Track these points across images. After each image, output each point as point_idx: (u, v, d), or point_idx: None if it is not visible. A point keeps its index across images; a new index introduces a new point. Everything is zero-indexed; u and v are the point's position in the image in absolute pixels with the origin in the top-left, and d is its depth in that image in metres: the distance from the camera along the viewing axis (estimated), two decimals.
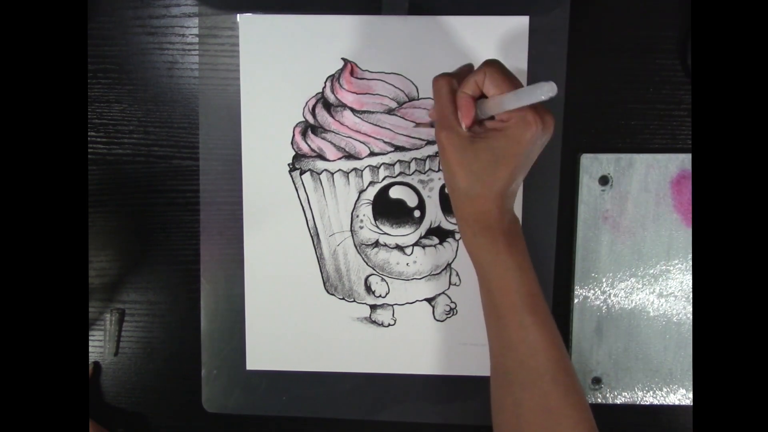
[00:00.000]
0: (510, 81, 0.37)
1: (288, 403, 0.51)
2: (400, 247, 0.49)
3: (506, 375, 0.39)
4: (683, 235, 0.49)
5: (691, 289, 0.49)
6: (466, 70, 0.40)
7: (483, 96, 0.38)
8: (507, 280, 0.39)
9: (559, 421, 0.38)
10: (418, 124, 0.47)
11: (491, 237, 0.39)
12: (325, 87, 0.48)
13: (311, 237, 0.49)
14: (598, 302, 0.49)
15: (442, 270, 0.50)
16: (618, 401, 0.50)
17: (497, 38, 0.47)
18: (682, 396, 0.50)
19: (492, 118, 0.38)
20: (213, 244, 0.50)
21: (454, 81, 0.39)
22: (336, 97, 0.48)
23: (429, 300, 0.50)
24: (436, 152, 0.48)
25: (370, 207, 0.49)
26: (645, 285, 0.49)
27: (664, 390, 0.50)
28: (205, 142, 0.49)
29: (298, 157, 0.49)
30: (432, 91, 0.40)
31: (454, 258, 0.49)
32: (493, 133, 0.37)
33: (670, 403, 0.50)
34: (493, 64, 0.37)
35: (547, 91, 0.33)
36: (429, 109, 0.48)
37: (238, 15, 0.48)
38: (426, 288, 0.50)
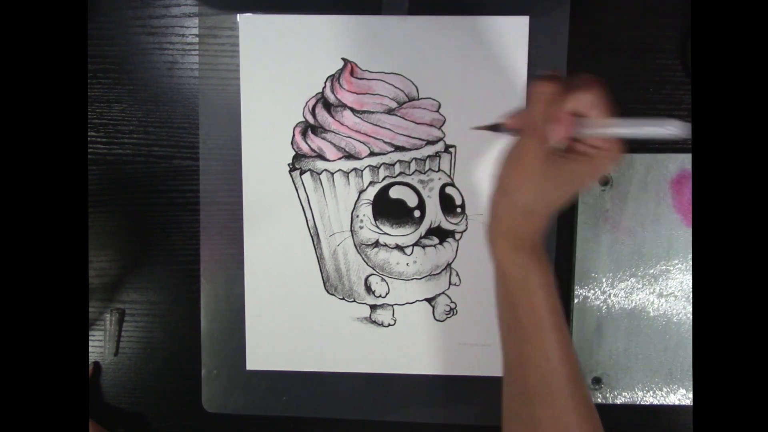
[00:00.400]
0: (611, 108, 0.34)
1: (288, 403, 0.51)
2: (400, 247, 0.49)
3: (525, 392, 0.38)
4: (683, 235, 0.49)
5: (691, 289, 0.49)
6: (563, 80, 0.36)
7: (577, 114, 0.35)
8: (537, 298, 0.37)
9: None
10: (478, 127, 0.43)
11: (527, 255, 0.37)
12: (325, 87, 0.48)
13: (311, 237, 0.49)
14: (598, 302, 0.49)
15: (442, 270, 0.50)
16: (618, 401, 0.50)
17: (497, 38, 0.47)
18: (682, 396, 0.50)
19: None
20: (213, 244, 0.50)
21: (555, 90, 0.35)
22: (336, 97, 0.48)
23: (429, 300, 0.50)
24: (437, 152, 0.48)
25: (370, 207, 0.49)
26: (645, 285, 0.49)
27: (664, 390, 0.50)
28: (205, 142, 0.49)
29: (298, 157, 0.49)
30: (529, 93, 0.36)
31: (454, 258, 0.49)
32: (578, 156, 0.35)
33: (670, 403, 0.50)
34: (598, 86, 0.34)
35: (674, 129, 0.31)
36: (430, 109, 0.48)
37: (238, 15, 0.48)
38: (426, 288, 0.50)
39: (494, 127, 0.41)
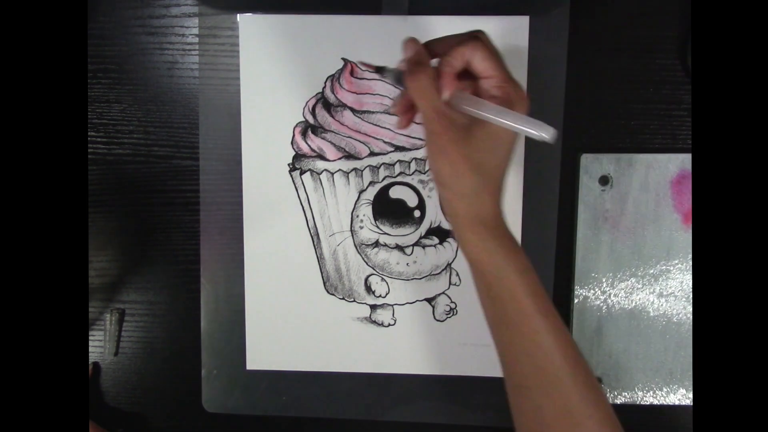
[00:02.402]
0: (498, 61, 0.34)
1: (288, 403, 0.51)
2: (400, 247, 0.49)
3: (523, 381, 0.38)
4: (683, 235, 0.49)
5: (691, 289, 0.49)
6: (444, 41, 0.36)
7: (467, 72, 0.35)
8: (516, 284, 0.36)
9: (582, 421, 0.36)
10: (368, 65, 0.40)
11: (498, 240, 0.36)
12: (325, 87, 0.48)
13: (311, 237, 0.49)
14: (598, 302, 0.49)
15: (442, 270, 0.50)
16: (618, 401, 0.50)
17: (497, 38, 0.46)
18: (682, 396, 0.50)
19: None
20: (213, 244, 0.50)
21: (431, 70, 0.35)
22: (336, 97, 0.48)
23: (429, 300, 0.50)
24: None
25: (370, 207, 0.49)
26: (645, 285, 0.49)
27: (664, 390, 0.50)
28: (205, 142, 0.49)
29: (298, 157, 0.49)
30: (410, 91, 0.35)
31: (454, 258, 0.49)
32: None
33: (670, 403, 0.50)
34: (481, 40, 0.34)
35: (545, 133, 0.32)
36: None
37: (238, 15, 0.48)
38: (426, 288, 0.50)
39: (379, 70, 0.40)
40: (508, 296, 0.36)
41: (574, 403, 0.36)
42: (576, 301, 0.49)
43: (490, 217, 0.36)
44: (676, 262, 0.49)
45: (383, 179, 0.48)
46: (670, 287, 0.49)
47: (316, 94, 0.48)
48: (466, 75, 0.36)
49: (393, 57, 0.47)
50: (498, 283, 0.37)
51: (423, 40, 0.47)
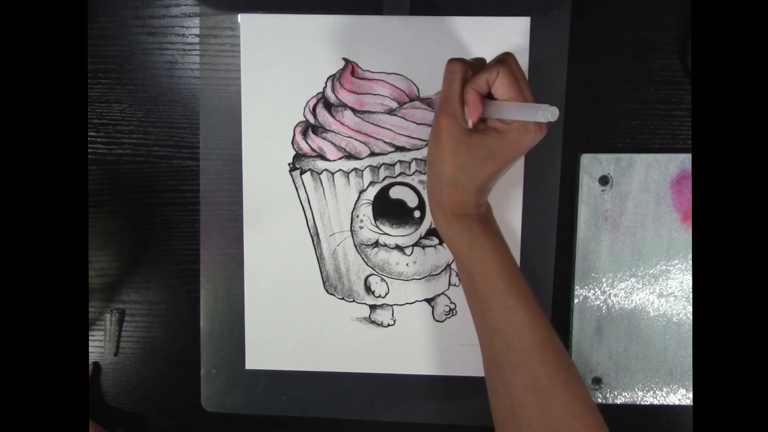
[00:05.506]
0: (519, 86, 0.36)
1: (287, 402, 0.51)
2: (399, 248, 0.49)
3: (495, 358, 0.39)
4: (683, 235, 0.49)
5: (691, 289, 0.49)
6: (480, 64, 0.39)
7: (490, 94, 0.38)
8: (486, 263, 0.39)
9: (550, 400, 0.37)
10: (421, 99, 0.47)
11: (466, 223, 0.39)
12: (325, 87, 0.48)
13: (311, 237, 0.49)
14: (598, 302, 0.49)
15: (442, 270, 0.50)
16: (618, 401, 0.50)
17: (498, 39, 0.47)
18: (682, 396, 0.50)
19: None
20: (213, 244, 0.50)
21: (469, 70, 0.38)
22: (337, 97, 0.48)
23: (428, 300, 0.50)
24: None
25: (370, 207, 0.49)
26: (645, 285, 0.49)
27: (664, 390, 0.50)
28: (205, 142, 0.49)
29: (299, 156, 0.49)
30: (444, 73, 0.39)
31: (454, 259, 0.49)
32: (492, 132, 0.37)
33: (670, 403, 0.50)
34: (506, 65, 0.37)
35: (548, 115, 0.34)
36: (431, 109, 0.48)
37: (238, 15, 0.48)
38: (425, 288, 0.50)
39: (430, 104, 0.47)
40: (478, 274, 0.39)
41: (543, 380, 0.37)
42: (576, 301, 0.49)
43: (461, 205, 0.39)
44: (676, 262, 0.49)
45: (383, 179, 0.48)
46: (670, 287, 0.49)
47: (317, 94, 0.48)
48: None
49: (394, 57, 0.48)
50: (468, 262, 0.40)
51: (424, 40, 0.48)
